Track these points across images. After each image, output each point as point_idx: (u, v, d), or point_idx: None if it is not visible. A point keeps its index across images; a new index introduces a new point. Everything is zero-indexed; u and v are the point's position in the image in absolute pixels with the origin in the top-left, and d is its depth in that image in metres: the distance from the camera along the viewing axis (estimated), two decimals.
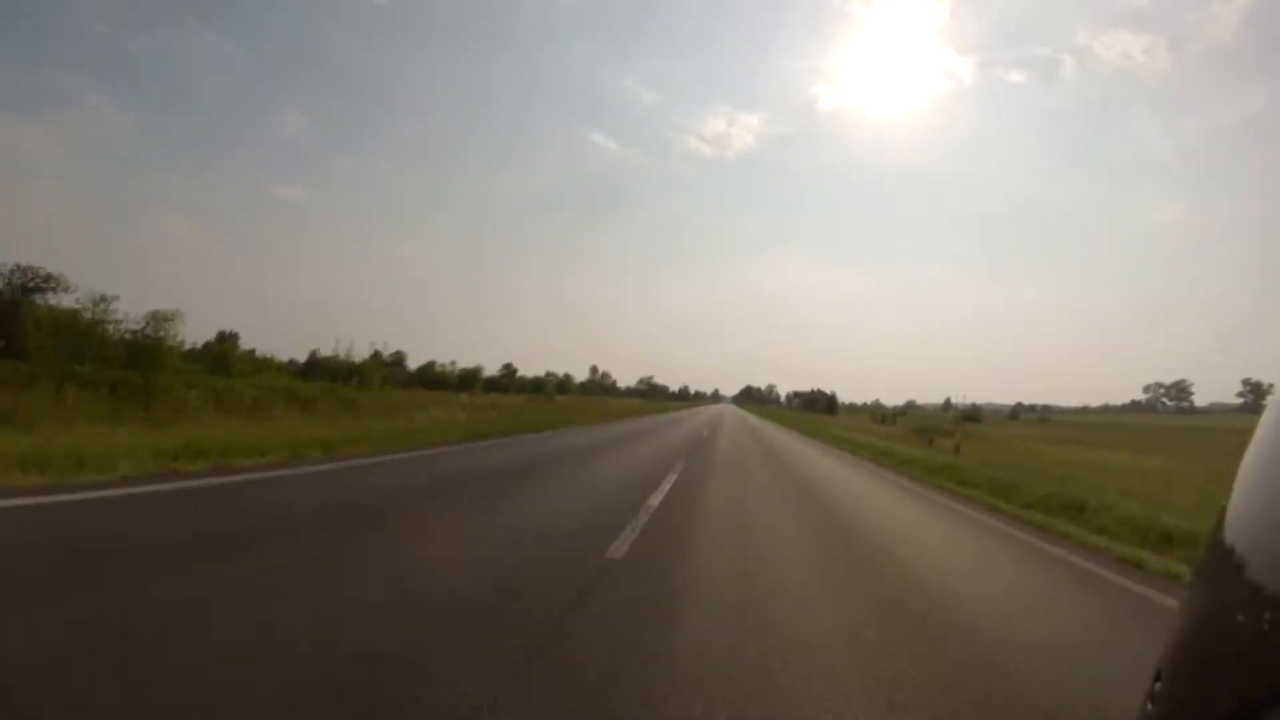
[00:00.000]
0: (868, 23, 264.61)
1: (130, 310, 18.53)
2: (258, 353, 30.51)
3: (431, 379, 61.91)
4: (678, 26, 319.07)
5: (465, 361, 79.95)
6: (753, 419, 50.42)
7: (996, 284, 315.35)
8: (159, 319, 18.53)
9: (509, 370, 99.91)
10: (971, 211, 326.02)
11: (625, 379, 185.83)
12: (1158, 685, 0.53)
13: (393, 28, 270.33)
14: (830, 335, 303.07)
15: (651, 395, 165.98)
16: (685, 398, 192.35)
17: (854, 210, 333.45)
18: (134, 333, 18.14)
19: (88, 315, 17.70)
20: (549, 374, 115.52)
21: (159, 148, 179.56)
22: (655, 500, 6.49)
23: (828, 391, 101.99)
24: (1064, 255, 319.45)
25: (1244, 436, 0.55)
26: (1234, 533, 0.50)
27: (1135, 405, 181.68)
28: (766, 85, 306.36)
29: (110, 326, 17.80)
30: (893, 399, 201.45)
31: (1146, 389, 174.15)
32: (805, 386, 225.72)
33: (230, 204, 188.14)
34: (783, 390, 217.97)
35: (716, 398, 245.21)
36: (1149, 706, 0.53)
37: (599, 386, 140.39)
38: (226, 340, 34.96)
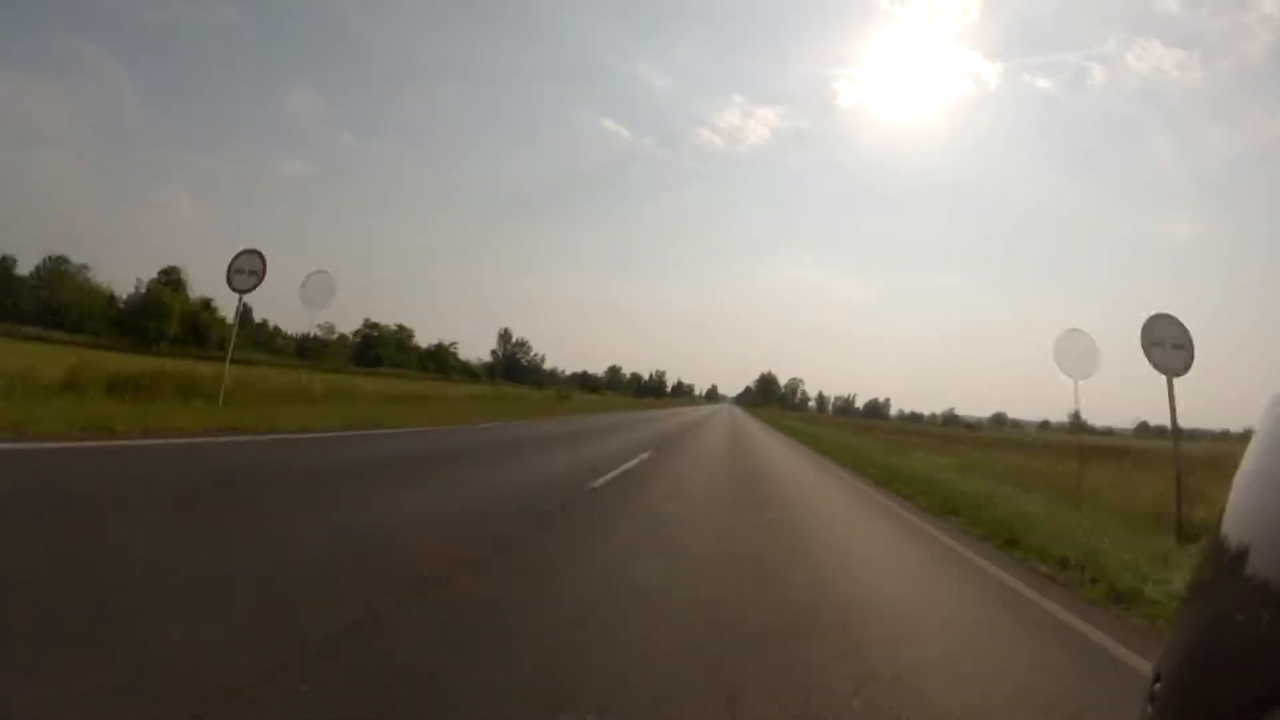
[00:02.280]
0: (894, 18, 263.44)
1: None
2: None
3: None
4: (693, 13, 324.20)
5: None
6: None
7: (1020, 294, 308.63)
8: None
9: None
10: (996, 218, 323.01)
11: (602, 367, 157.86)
12: (1158, 686, 0.58)
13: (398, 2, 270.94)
14: (840, 339, 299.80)
15: (594, 386, 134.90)
16: (658, 393, 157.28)
17: (874, 212, 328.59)
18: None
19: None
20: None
21: (164, 117, 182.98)
22: None
23: None
24: (1094, 267, 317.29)
25: None
26: (1234, 534, 0.55)
27: None
28: (786, 77, 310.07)
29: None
30: (967, 411, 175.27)
31: None
32: (841, 390, 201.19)
33: (234, 178, 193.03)
34: (812, 390, 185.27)
35: (714, 396, 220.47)
36: (1149, 707, 0.57)
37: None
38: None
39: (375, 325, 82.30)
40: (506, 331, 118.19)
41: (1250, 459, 0.60)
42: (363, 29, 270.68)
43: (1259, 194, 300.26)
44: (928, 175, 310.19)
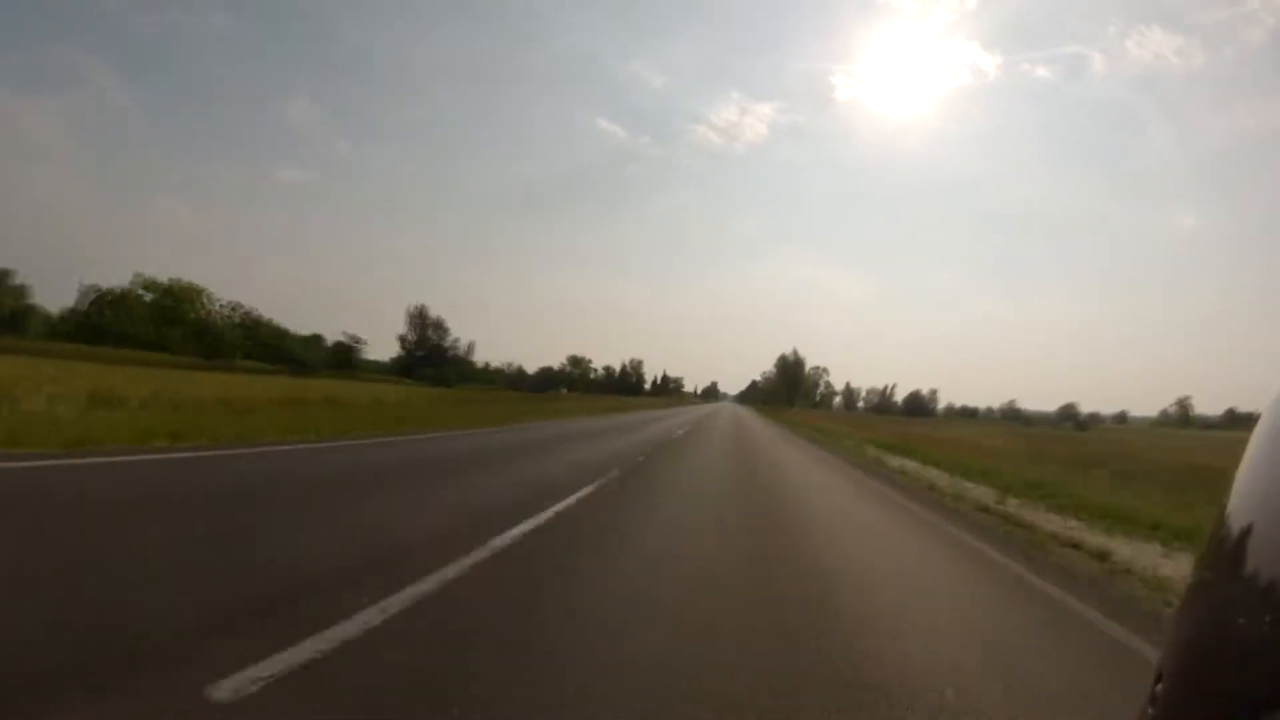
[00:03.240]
0: (891, 9, 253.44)
1: None
2: None
3: None
4: (690, 10, 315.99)
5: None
6: None
7: (1030, 289, 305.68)
8: None
9: None
10: (998, 213, 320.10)
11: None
12: (1158, 686, 0.57)
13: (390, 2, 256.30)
14: (853, 333, 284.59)
15: (549, 384, 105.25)
16: (634, 391, 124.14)
17: (876, 207, 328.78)
18: None
19: None
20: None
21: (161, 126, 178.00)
22: None
23: None
24: (1098, 260, 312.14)
25: None
26: (1235, 532, 0.54)
27: None
28: (782, 72, 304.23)
29: None
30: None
31: None
32: (867, 382, 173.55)
33: (232, 187, 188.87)
34: (838, 382, 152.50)
35: (712, 394, 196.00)
36: (1149, 707, 0.56)
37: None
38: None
39: (153, 284, 51.71)
40: (420, 310, 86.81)
41: (1252, 455, 0.58)
42: (357, 33, 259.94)
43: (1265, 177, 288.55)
44: (928, 169, 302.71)
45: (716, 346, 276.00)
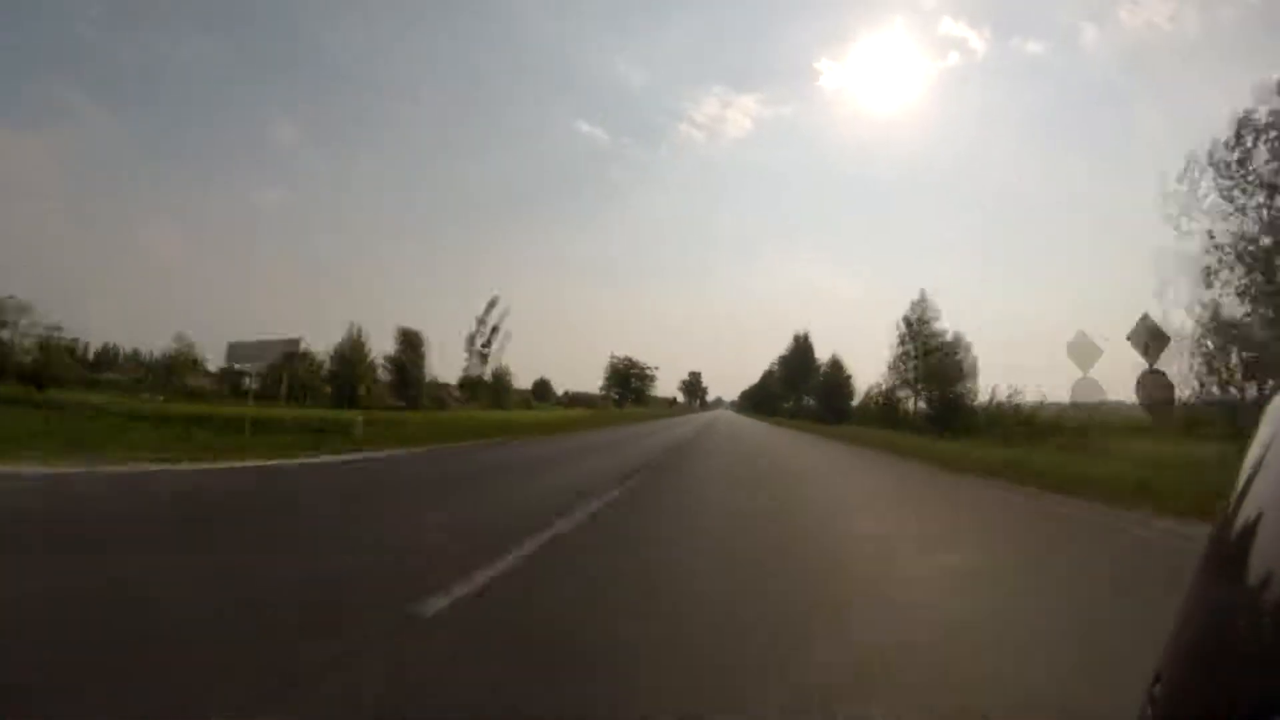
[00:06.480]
0: None
1: None
2: None
3: None
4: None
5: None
6: None
7: (1023, 282, 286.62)
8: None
9: None
10: (992, 200, 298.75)
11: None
12: (1157, 686, 0.58)
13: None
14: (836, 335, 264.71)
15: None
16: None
17: (862, 201, 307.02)
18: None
19: None
20: None
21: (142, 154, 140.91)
22: None
23: None
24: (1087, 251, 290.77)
25: None
26: (1236, 533, 0.56)
27: None
28: (764, 60, 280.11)
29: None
30: None
31: None
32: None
33: (214, 209, 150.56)
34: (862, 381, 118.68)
35: (698, 401, 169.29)
36: (1148, 708, 0.58)
37: None
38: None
39: None
40: None
41: (1254, 453, 0.58)
42: (333, 44, 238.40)
43: None
44: (919, 157, 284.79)
45: (709, 350, 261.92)
